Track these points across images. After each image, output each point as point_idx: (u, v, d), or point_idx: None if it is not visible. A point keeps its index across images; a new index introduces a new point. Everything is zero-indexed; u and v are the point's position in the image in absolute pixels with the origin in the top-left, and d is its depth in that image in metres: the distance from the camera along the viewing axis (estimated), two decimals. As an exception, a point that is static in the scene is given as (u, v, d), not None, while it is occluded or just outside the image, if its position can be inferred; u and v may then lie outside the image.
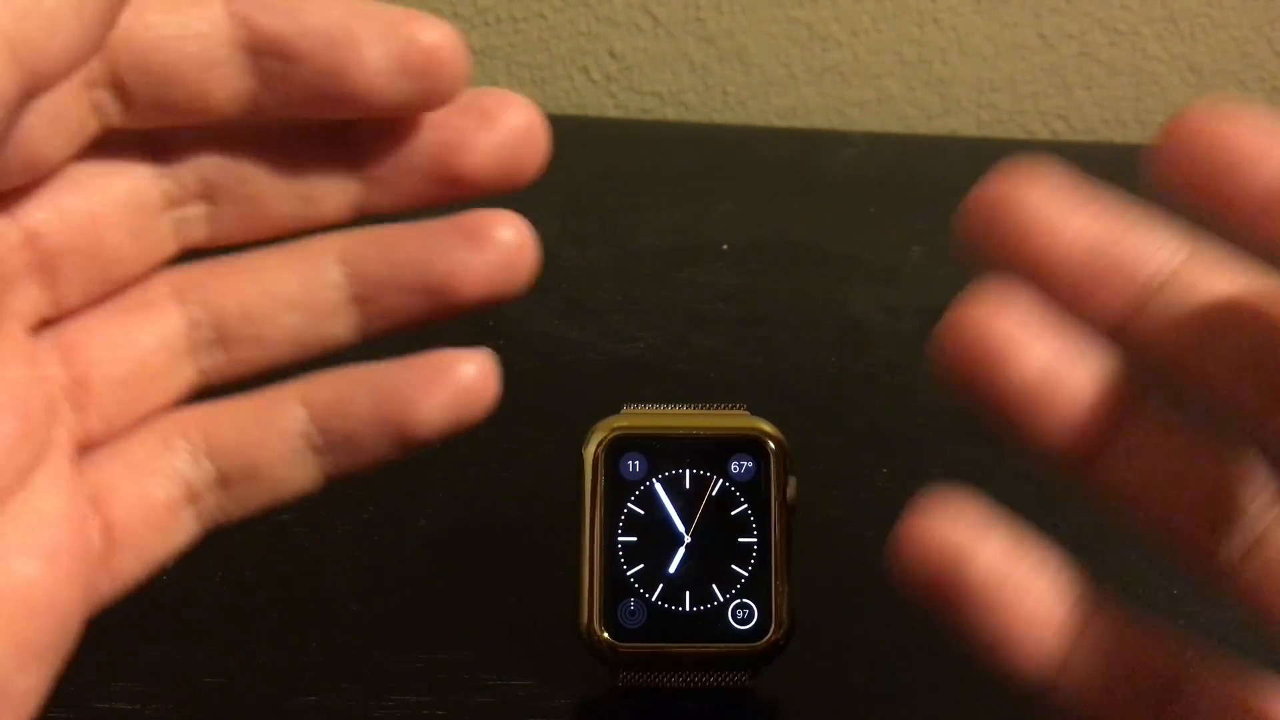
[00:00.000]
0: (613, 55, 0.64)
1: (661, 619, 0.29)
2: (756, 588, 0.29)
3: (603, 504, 0.29)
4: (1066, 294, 0.20)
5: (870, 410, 0.41)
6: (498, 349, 0.48)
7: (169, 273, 0.22)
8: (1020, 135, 0.65)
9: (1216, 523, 0.20)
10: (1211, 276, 0.20)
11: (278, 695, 0.29)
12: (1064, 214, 0.20)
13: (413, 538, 0.32)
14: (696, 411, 0.30)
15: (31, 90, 0.16)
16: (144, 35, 0.19)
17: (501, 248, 0.22)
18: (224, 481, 0.22)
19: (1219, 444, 0.21)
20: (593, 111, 0.65)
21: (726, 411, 0.30)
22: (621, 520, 0.29)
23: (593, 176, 0.56)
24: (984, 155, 0.68)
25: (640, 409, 0.30)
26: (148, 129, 0.20)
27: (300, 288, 0.22)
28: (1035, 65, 0.63)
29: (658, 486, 0.29)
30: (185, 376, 0.22)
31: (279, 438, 0.21)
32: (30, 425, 0.19)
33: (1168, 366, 0.20)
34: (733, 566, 0.29)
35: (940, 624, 0.21)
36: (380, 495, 0.31)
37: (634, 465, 0.29)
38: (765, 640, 0.29)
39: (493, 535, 0.35)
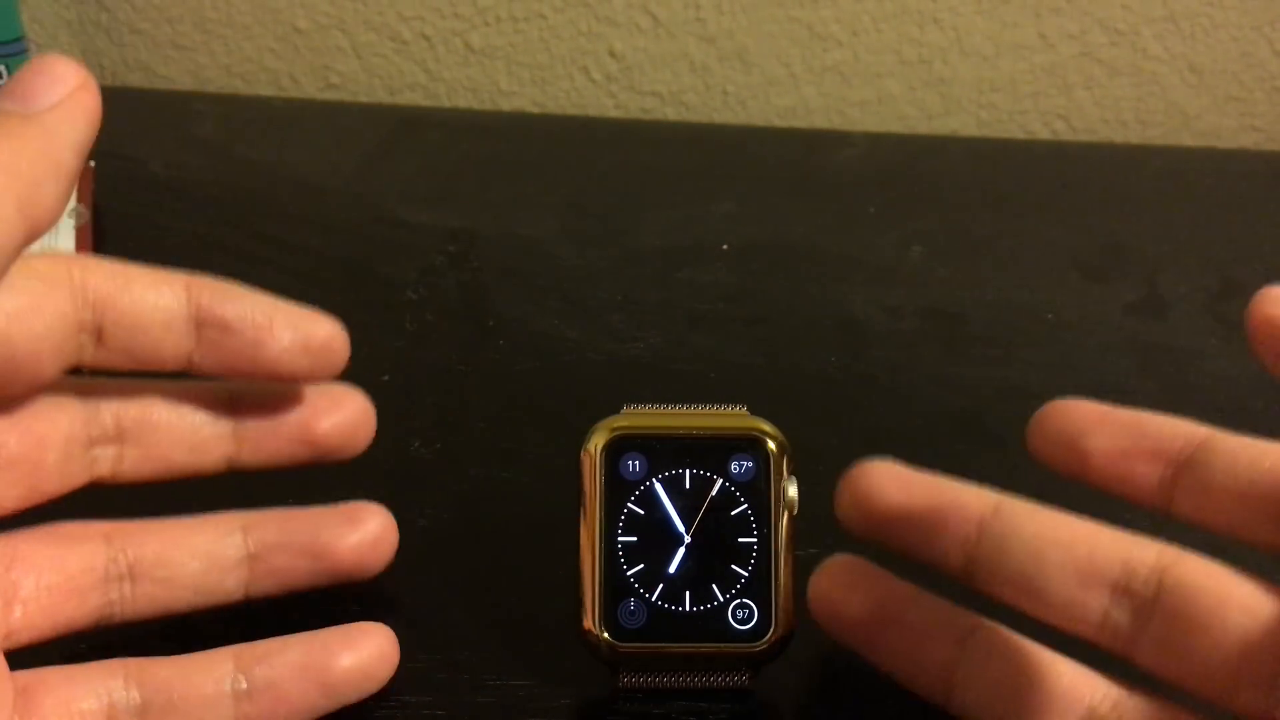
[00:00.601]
0: (613, 55, 0.64)
1: (661, 619, 0.29)
2: (756, 588, 0.29)
3: (603, 504, 0.29)
4: (915, 545, 0.26)
5: (870, 410, 0.41)
6: (498, 349, 0.48)
7: (102, 523, 0.27)
8: (1020, 135, 0.65)
9: None
10: (1025, 518, 0.25)
11: (278, 695, 0.29)
12: (903, 489, 0.27)
13: (413, 538, 0.32)
14: (696, 411, 0.30)
15: (30, 237, 0.23)
16: (127, 300, 0.26)
17: (372, 530, 0.29)
18: (144, 713, 0.25)
19: (1056, 657, 0.24)
20: (593, 111, 0.65)
21: (726, 411, 0.30)
22: (621, 520, 0.29)
23: (593, 176, 0.56)
24: (984, 155, 0.69)
25: (640, 409, 0.30)
26: (100, 369, 0.26)
27: (206, 542, 0.28)
28: (1035, 65, 0.63)
29: (658, 486, 0.29)
30: (95, 602, 0.27)
31: (206, 681, 0.26)
32: None
33: (1002, 594, 0.25)
34: (733, 566, 0.29)
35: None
36: (380, 495, 0.31)
37: (634, 465, 0.29)
38: (765, 640, 0.29)
39: (493, 535, 0.35)
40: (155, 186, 0.52)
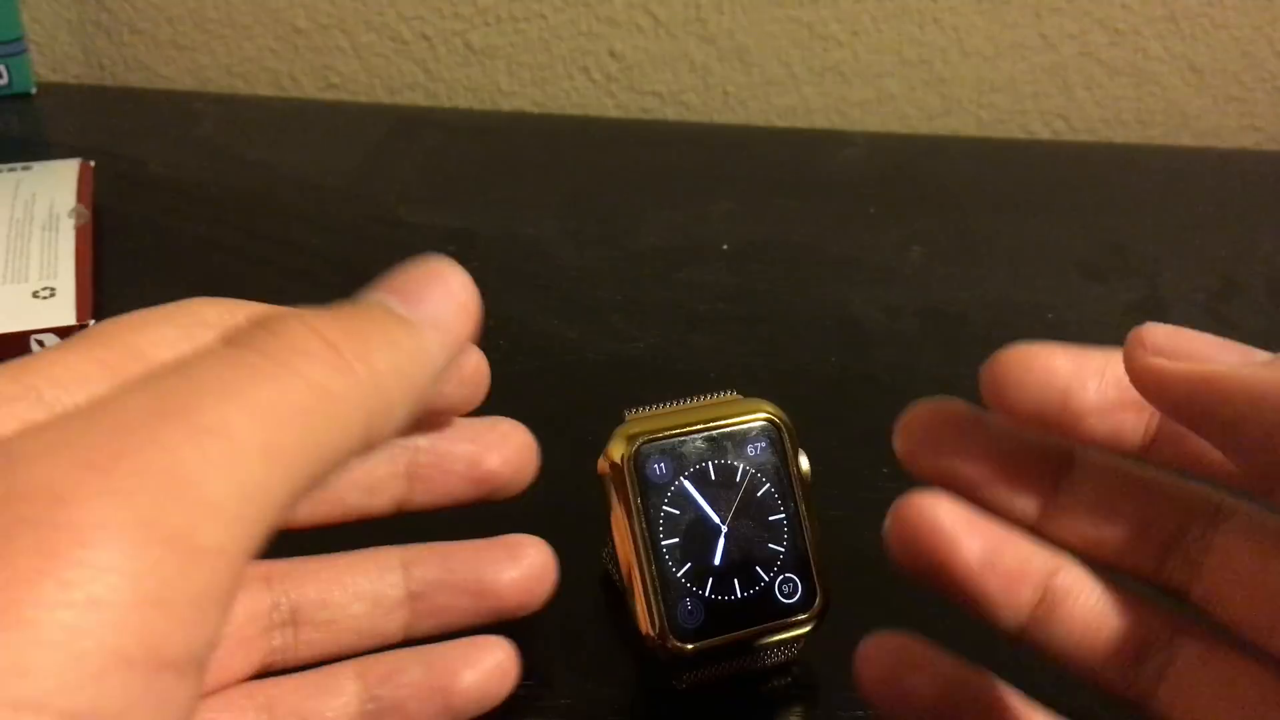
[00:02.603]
0: (613, 55, 0.64)
1: (717, 611, 0.29)
2: (795, 560, 0.29)
3: (640, 514, 0.29)
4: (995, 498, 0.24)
5: (870, 410, 0.41)
6: (498, 349, 0.48)
7: (258, 563, 0.24)
8: (1020, 135, 0.65)
9: (1136, 659, 0.23)
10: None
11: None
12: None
13: (412, 538, 0.32)
14: (696, 405, 0.30)
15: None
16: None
17: (533, 564, 0.28)
18: None
19: (1131, 596, 0.24)
20: (593, 111, 0.65)
21: (721, 400, 0.30)
22: (661, 525, 0.29)
23: (593, 176, 0.56)
24: (984, 155, 0.69)
25: (642, 413, 0.30)
26: None
27: (368, 581, 0.26)
28: (1035, 65, 0.63)
29: (687, 484, 0.29)
30: (260, 651, 0.25)
31: (334, 703, 0.25)
32: None
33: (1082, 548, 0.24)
34: (770, 545, 0.29)
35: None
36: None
37: (660, 468, 0.29)
38: (814, 608, 0.29)
39: (493, 535, 0.35)
40: (155, 186, 0.52)
